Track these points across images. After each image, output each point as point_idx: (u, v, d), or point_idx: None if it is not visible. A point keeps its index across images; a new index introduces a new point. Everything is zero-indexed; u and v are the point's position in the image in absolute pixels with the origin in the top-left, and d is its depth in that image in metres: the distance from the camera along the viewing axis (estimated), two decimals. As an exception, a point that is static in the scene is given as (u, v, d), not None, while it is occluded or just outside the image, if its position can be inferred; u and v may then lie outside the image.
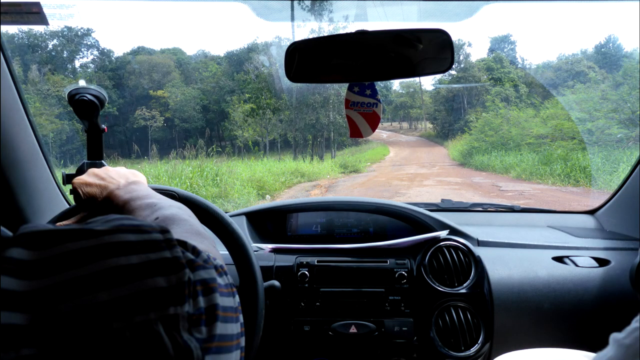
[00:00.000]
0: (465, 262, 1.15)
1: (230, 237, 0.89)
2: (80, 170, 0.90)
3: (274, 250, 1.23)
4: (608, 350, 0.60)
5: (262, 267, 0.91)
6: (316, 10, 11.79)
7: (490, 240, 1.28)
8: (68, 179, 0.89)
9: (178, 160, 8.30)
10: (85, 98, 0.87)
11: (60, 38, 17.51)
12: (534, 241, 1.28)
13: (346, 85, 0.91)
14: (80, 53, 18.29)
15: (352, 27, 0.87)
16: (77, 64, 18.12)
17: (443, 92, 19.40)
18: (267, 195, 7.68)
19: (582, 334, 1.13)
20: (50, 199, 1.26)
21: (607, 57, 16.16)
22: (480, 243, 1.27)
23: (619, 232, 1.40)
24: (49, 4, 1.20)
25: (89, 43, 18.32)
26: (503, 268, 1.17)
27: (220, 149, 12.45)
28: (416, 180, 9.22)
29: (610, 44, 16.89)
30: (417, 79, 13.49)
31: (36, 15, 1.11)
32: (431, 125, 21.61)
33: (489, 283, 1.14)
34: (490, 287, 1.13)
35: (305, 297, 1.15)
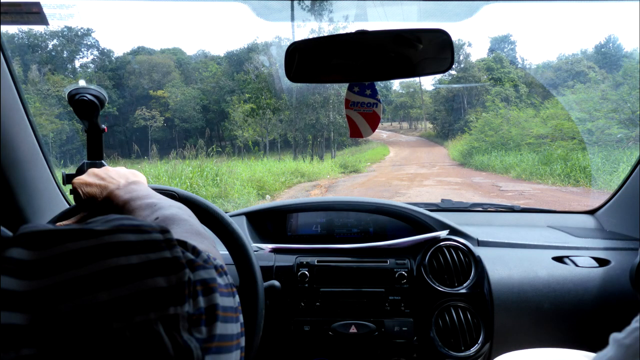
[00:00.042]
0: (465, 262, 1.15)
1: (230, 237, 0.89)
2: (80, 170, 0.90)
3: (274, 250, 1.23)
4: (608, 350, 0.60)
5: (262, 267, 0.91)
6: (316, 10, 11.79)
7: (490, 240, 1.28)
8: (68, 179, 0.89)
9: (178, 160, 8.30)
10: (85, 98, 0.87)
11: (60, 38, 17.52)
12: (534, 241, 1.28)
13: (346, 85, 0.91)
14: (80, 53, 18.31)
15: (352, 27, 0.88)
16: (77, 64, 18.14)
17: (443, 92, 19.40)
18: (267, 195, 7.68)
19: (582, 334, 1.13)
20: (50, 199, 1.26)
21: (607, 57, 16.16)
22: (480, 243, 1.27)
23: (619, 232, 1.40)
24: (49, 4, 1.20)
25: (89, 43, 18.34)
26: (503, 268, 1.17)
27: (220, 149, 12.45)
28: (416, 180, 9.22)
29: (610, 44, 16.90)
30: (417, 79, 13.50)
31: (36, 15, 1.11)
32: (431, 125, 21.62)
33: (489, 283, 1.14)
34: (490, 287, 1.13)
35: (305, 297, 1.15)
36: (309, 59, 0.88)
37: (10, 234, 0.36)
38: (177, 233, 0.57)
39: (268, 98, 14.81)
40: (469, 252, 1.17)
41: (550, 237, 1.33)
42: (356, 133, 0.94)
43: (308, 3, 11.36)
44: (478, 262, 1.15)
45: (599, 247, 1.26)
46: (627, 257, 1.22)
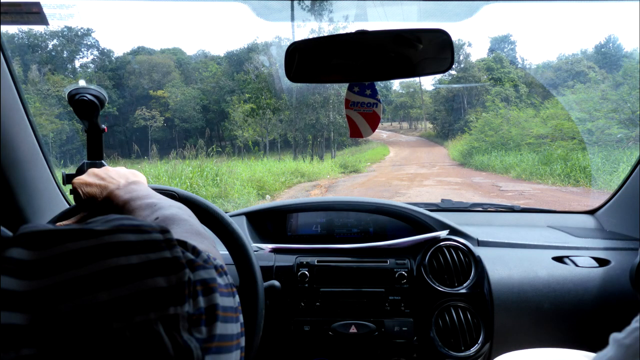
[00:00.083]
0: (465, 262, 1.15)
1: (230, 237, 0.89)
2: (80, 170, 0.90)
3: (274, 250, 1.23)
4: (608, 350, 0.60)
5: (262, 267, 0.91)
6: (316, 10, 11.79)
7: (490, 240, 1.28)
8: (68, 179, 0.89)
9: (178, 160, 8.30)
10: (85, 98, 0.87)
11: (60, 38, 17.51)
12: (534, 241, 1.28)
13: (346, 85, 0.91)
14: (80, 53, 18.31)
15: (352, 27, 0.88)
16: (77, 64, 18.14)
17: (443, 92, 19.40)
18: (267, 195, 7.68)
19: (582, 334, 1.13)
20: (50, 199, 1.26)
21: (607, 57, 16.16)
22: (480, 243, 1.27)
23: (619, 232, 1.40)
24: (49, 4, 1.20)
25: (89, 43, 18.34)
26: (503, 268, 1.17)
27: (220, 149, 12.45)
28: (416, 180, 9.22)
29: (610, 44, 16.90)
30: (417, 79, 13.50)
31: (36, 15, 1.11)
32: (431, 125, 21.61)
33: (489, 283, 1.14)
34: (490, 287, 1.13)
35: (305, 297, 1.15)
36: (309, 59, 0.88)
37: (10, 234, 0.36)
38: (177, 233, 0.57)
39: (268, 98, 14.82)
40: (469, 252, 1.17)
41: (550, 237, 1.33)
42: (356, 133, 0.94)
43: (308, 3, 11.36)
44: (478, 262, 1.15)
45: (599, 247, 1.26)
46: (627, 257, 1.22)
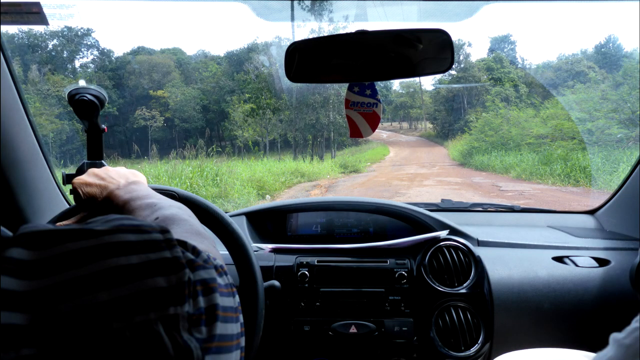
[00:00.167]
0: (465, 262, 1.15)
1: (230, 237, 0.89)
2: (80, 170, 0.90)
3: (274, 250, 1.23)
4: (608, 350, 0.60)
5: (262, 267, 0.91)
6: (316, 10, 11.79)
7: (490, 240, 1.28)
8: (68, 179, 0.89)
9: (178, 160, 8.30)
10: (85, 98, 0.87)
11: (60, 38, 17.51)
12: (534, 241, 1.28)
13: (346, 85, 0.91)
14: (80, 53, 18.31)
15: (352, 27, 0.88)
16: (77, 64, 18.14)
17: (443, 92, 19.40)
18: (267, 195, 7.68)
19: (582, 334, 1.13)
20: (50, 199, 1.26)
21: (607, 57, 16.16)
22: (480, 243, 1.27)
23: (619, 232, 1.40)
24: (49, 4, 1.20)
25: (89, 43, 18.34)
26: (503, 268, 1.17)
27: (220, 149, 12.45)
28: (416, 180, 9.22)
29: (610, 44, 16.90)
30: (417, 79, 13.50)
31: (36, 15, 1.11)
32: (431, 125, 21.61)
33: (489, 283, 1.14)
34: (490, 287, 1.13)
35: (305, 297, 1.15)
36: (309, 59, 0.88)
37: (10, 234, 0.36)
38: (177, 233, 0.57)
39: (268, 98, 14.82)
40: (469, 252, 1.17)
41: (550, 237, 1.33)
42: (356, 133, 0.94)
43: (308, 3, 11.36)
44: (478, 262, 1.15)
45: (599, 247, 1.26)
46: (627, 257, 1.22)
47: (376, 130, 0.94)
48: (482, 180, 8.89)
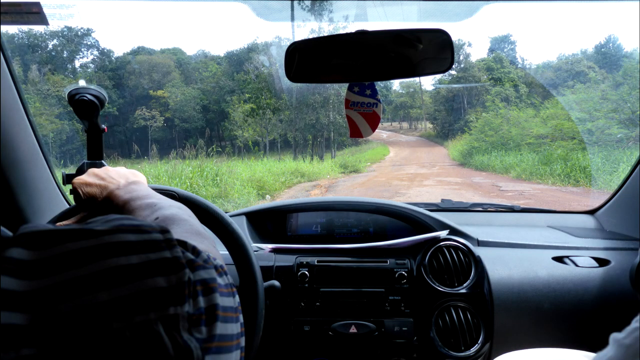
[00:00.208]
0: (465, 262, 1.15)
1: (230, 237, 0.89)
2: (80, 170, 0.90)
3: (274, 250, 1.23)
4: (608, 350, 0.60)
5: (262, 267, 0.91)
6: (316, 10, 11.79)
7: (490, 240, 1.28)
8: (68, 179, 0.89)
9: (178, 160, 8.30)
10: (85, 98, 0.87)
11: (60, 38, 17.52)
12: (534, 241, 1.28)
13: (346, 85, 0.91)
14: (80, 53, 18.31)
15: (352, 27, 0.88)
16: (77, 64, 18.15)
17: (443, 92, 19.40)
18: (267, 195, 7.68)
19: (582, 334, 1.13)
20: (50, 199, 1.26)
21: (607, 57, 16.16)
22: (480, 243, 1.27)
23: (619, 232, 1.40)
24: (49, 4, 1.20)
25: (89, 43, 18.34)
26: (503, 268, 1.17)
27: (220, 149, 12.45)
28: (416, 180, 9.22)
29: (610, 44, 16.90)
30: (417, 79, 13.50)
31: (36, 15, 1.11)
32: (431, 125, 21.61)
33: (489, 283, 1.14)
34: (490, 287, 1.13)
35: (305, 297, 1.15)
36: (309, 59, 0.88)
37: (10, 234, 0.36)
38: (177, 233, 0.57)
39: (268, 98, 14.82)
40: (469, 252, 1.17)
41: (550, 237, 1.33)
42: (356, 133, 0.94)
43: (308, 3, 11.36)
44: (478, 262, 1.15)
45: (599, 247, 1.26)
46: (627, 257, 1.22)
47: (376, 130, 0.94)
48: (482, 180, 8.90)
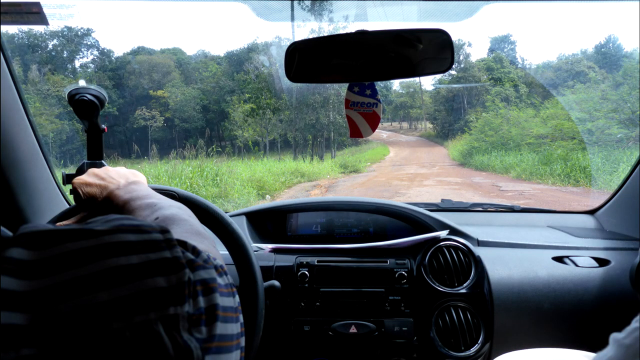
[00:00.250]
0: (465, 262, 1.15)
1: (230, 237, 0.89)
2: (80, 170, 0.90)
3: (274, 250, 1.23)
4: (608, 350, 0.60)
5: (262, 267, 0.91)
6: (316, 10, 11.79)
7: (490, 240, 1.28)
8: (68, 179, 0.89)
9: (178, 160, 8.30)
10: (85, 98, 0.87)
11: (60, 38, 17.52)
12: (534, 241, 1.28)
13: (346, 85, 0.91)
14: (80, 53, 18.31)
15: (352, 27, 0.88)
16: (77, 64, 18.15)
17: (443, 92, 19.40)
18: (267, 195, 7.68)
19: (582, 334, 1.13)
20: (50, 199, 1.26)
21: (607, 57, 16.16)
22: (480, 243, 1.27)
23: (619, 232, 1.40)
24: (49, 4, 1.20)
25: (89, 43, 18.34)
26: (503, 268, 1.17)
27: (220, 149, 12.45)
28: (416, 180, 9.22)
29: (610, 44, 16.90)
30: (417, 79, 13.50)
31: (36, 15, 1.11)
32: (431, 125, 21.61)
33: (489, 283, 1.14)
34: (490, 287, 1.13)
35: (305, 297, 1.15)
36: (309, 59, 0.88)
37: (10, 234, 0.36)
38: (177, 233, 0.57)
39: (268, 98, 14.82)
40: (469, 252, 1.16)
41: (550, 237, 1.33)
42: (356, 133, 0.94)
43: (308, 3, 11.36)
44: (478, 262, 1.15)
45: (599, 247, 1.26)
46: (627, 257, 1.22)
47: (376, 130, 0.94)
48: (482, 180, 8.90)
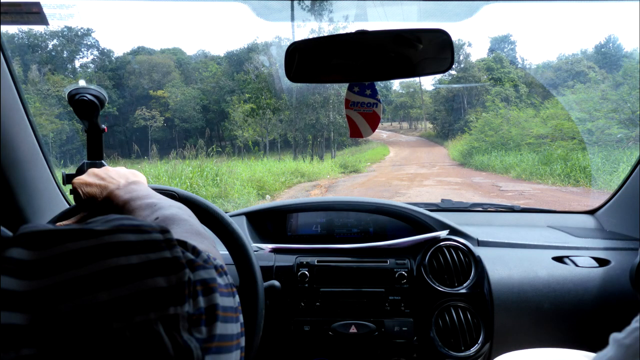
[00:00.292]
0: (465, 262, 1.15)
1: (230, 237, 0.89)
2: (80, 170, 0.90)
3: (274, 250, 1.23)
4: (608, 350, 0.60)
5: (262, 267, 0.91)
6: (316, 10, 11.79)
7: (490, 240, 1.28)
8: (68, 179, 0.89)
9: (178, 160, 8.30)
10: (85, 98, 0.87)
11: (60, 38, 17.52)
12: (534, 241, 1.28)
13: (346, 85, 0.91)
14: (80, 53, 18.32)
15: (352, 27, 0.88)
16: (77, 64, 18.15)
17: (443, 92, 19.40)
18: (267, 195, 7.68)
19: (582, 334, 1.13)
20: (50, 199, 1.26)
21: (607, 57, 16.16)
22: (480, 243, 1.27)
23: (619, 232, 1.40)
24: (49, 4, 1.20)
25: (89, 43, 18.35)
26: (503, 268, 1.17)
27: (220, 149, 12.45)
28: (416, 180, 9.22)
29: (610, 44, 16.90)
30: (417, 79, 13.50)
31: (36, 15, 1.11)
32: (431, 125, 21.62)
33: (489, 283, 1.14)
34: (490, 287, 1.13)
35: (305, 297, 1.15)
36: (309, 59, 0.88)
37: (10, 234, 0.36)
38: (177, 233, 0.57)
39: (268, 98, 14.82)
40: (469, 252, 1.16)
41: (550, 237, 1.33)
42: (356, 133, 0.94)
43: (308, 3, 11.36)
44: (478, 262, 1.15)
45: (599, 247, 1.26)
46: (627, 257, 1.22)
47: (376, 130, 0.94)
48: (482, 180, 8.90)
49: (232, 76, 17.33)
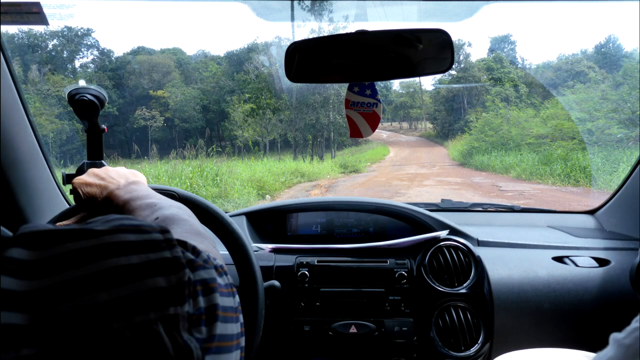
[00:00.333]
0: (465, 262, 1.15)
1: (230, 237, 0.89)
2: (80, 170, 0.90)
3: (274, 250, 1.23)
4: (608, 350, 0.60)
5: (262, 267, 0.91)
6: (316, 10, 11.79)
7: (490, 240, 1.28)
8: (68, 179, 0.89)
9: (178, 160, 8.30)
10: (85, 98, 0.87)
11: (60, 38, 17.52)
12: (534, 241, 1.28)
13: (346, 85, 0.91)
14: (80, 53, 18.32)
15: (352, 27, 0.88)
16: (77, 64, 18.15)
17: (443, 92, 19.40)
18: (267, 195, 7.68)
19: (582, 334, 1.13)
20: (50, 199, 1.26)
21: (607, 57, 16.16)
22: (480, 243, 1.27)
23: (619, 232, 1.40)
24: (49, 4, 1.20)
25: (89, 43, 18.35)
26: (503, 268, 1.17)
27: (220, 149, 12.45)
28: (416, 180, 9.22)
29: (610, 44, 16.90)
30: (417, 79, 13.50)
31: (36, 15, 1.11)
32: (431, 125, 21.62)
33: (489, 283, 1.14)
34: (490, 287, 1.13)
35: (305, 297, 1.15)
36: (309, 59, 0.88)
37: (10, 234, 0.36)
38: (177, 233, 0.57)
39: (268, 98, 14.82)
40: (469, 252, 1.16)
41: (550, 237, 1.33)
42: (356, 133, 0.94)
43: (308, 3, 11.36)
44: (478, 262, 1.15)
45: (599, 247, 1.26)
46: (627, 257, 1.22)
47: (376, 130, 0.94)
48: (482, 180, 8.90)
49: (232, 76, 17.34)
